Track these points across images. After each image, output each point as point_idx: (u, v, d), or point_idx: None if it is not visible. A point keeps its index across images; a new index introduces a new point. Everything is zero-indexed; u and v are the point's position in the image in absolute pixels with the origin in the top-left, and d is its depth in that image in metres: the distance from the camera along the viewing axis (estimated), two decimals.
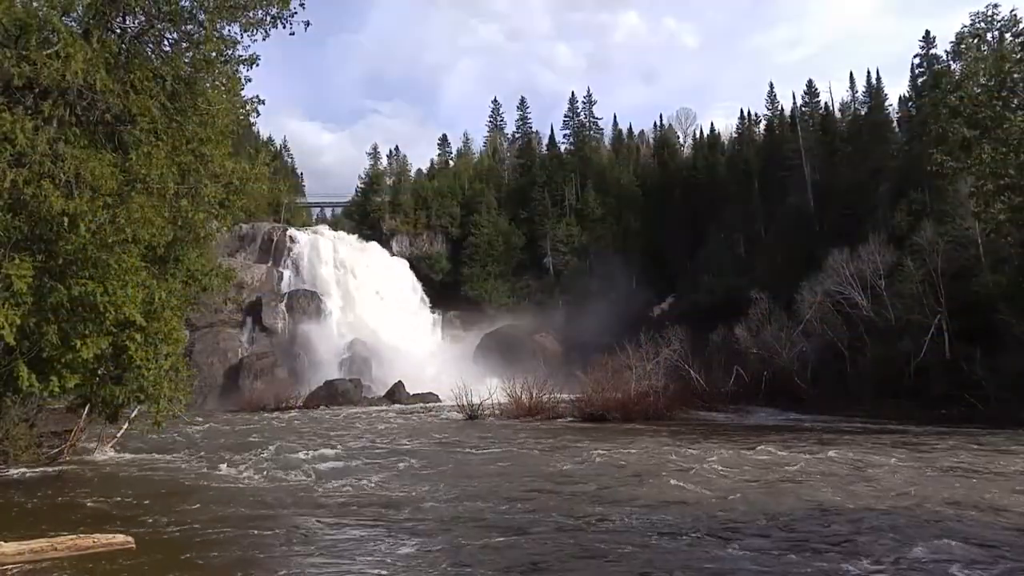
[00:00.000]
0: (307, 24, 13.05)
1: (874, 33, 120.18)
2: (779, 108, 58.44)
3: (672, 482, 11.76)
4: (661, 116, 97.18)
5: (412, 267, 56.42)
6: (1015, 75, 19.16)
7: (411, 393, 38.43)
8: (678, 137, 73.03)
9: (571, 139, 67.42)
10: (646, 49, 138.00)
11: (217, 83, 12.98)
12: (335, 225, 61.85)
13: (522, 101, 73.33)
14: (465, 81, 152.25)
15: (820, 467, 13.15)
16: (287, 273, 49.72)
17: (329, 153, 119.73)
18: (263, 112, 14.60)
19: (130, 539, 6.53)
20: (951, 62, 26.61)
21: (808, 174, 49.30)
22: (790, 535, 8.22)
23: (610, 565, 7.12)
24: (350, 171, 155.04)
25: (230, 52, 12.75)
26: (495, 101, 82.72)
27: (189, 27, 12.42)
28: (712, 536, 8.17)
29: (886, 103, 51.89)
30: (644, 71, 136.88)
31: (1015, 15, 19.99)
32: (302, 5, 12.93)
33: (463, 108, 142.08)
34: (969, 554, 7.25)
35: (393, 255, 57.21)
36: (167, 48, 12.69)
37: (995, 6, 20.13)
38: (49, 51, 10.42)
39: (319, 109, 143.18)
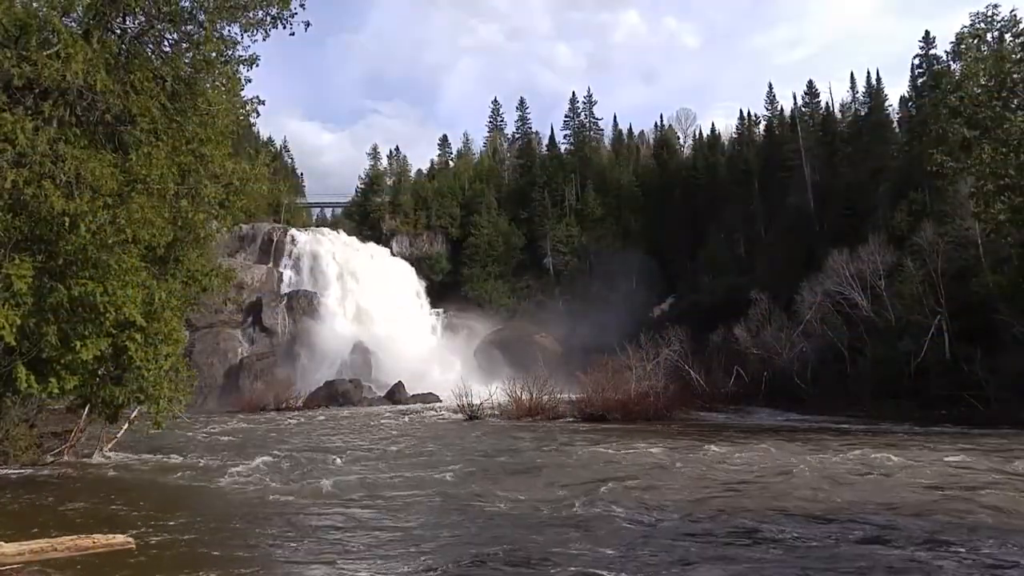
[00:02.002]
0: (307, 24, 13.05)
1: (874, 33, 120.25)
2: (779, 108, 58.47)
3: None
4: (661, 116, 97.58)
5: (412, 267, 56.40)
6: (1015, 75, 19.11)
7: (411, 393, 38.43)
8: (678, 137, 73.03)
9: (571, 139, 67.39)
10: (646, 49, 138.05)
11: (217, 83, 12.96)
12: (335, 226, 61.82)
13: (522, 101, 73.41)
14: (465, 81, 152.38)
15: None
16: (287, 273, 49.70)
17: (329, 153, 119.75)
18: (263, 112, 14.60)
19: (130, 539, 6.52)
20: (951, 62, 26.53)
21: (808, 174, 49.25)
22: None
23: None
24: (350, 171, 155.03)
25: (230, 52, 12.74)
26: (495, 101, 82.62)
27: (189, 27, 12.41)
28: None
29: (886, 103, 51.85)
30: (644, 71, 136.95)
31: (1015, 15, 19.93)
32: (302, 5, 12.94)
33: (463, 108, 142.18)
34: None
35: (393, 255, 57.21)
36: (167, 49, 12.68)
37: (995, 6, 20.05)
38: (49, 51, 10.41)
39: (319, 109, 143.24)
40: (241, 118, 13.88)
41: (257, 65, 13.23)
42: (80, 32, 11.31)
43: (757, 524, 8.80)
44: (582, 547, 7.78)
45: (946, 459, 13.78)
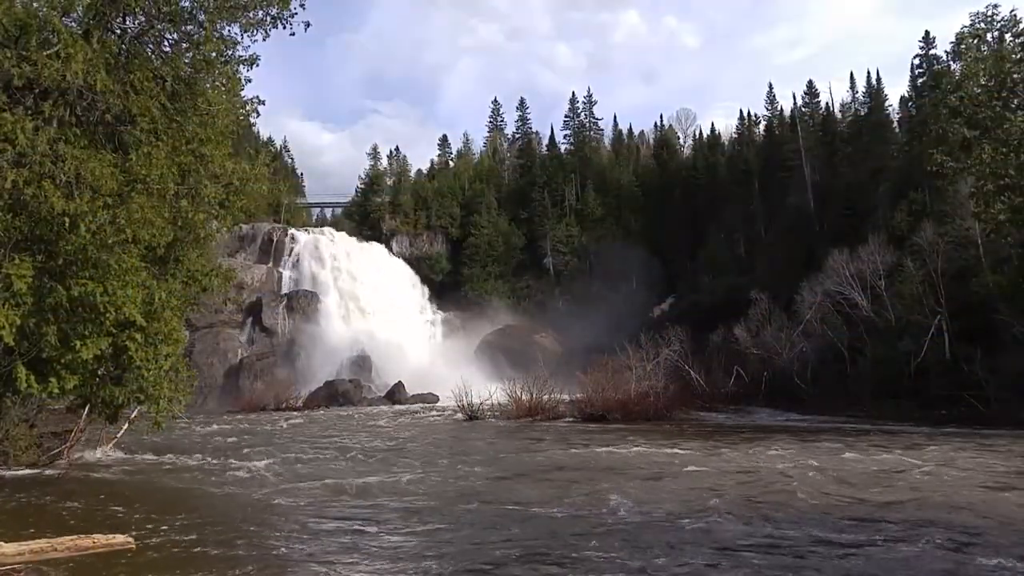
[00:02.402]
0: (307, 24, 13.08)
1: (874, 33, 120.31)
2: (779, 108, 58.49)
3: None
4: (661, 116, 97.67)
5: (412, 268, 56.42)
6: (1015, 75, 19.11)
7: (411, 393, 38.43)
8: (678, 137, 73.04)
9: (571, 139, 67.38)
10: (646, 49, 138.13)
11: (217, 83, 12.98)
12: (335, 226, 61.81)
13: (522, 102, 73.38)
14: (465, 81, 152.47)
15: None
16: (287, 273, 49.70)
17: (329, 153, 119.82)
18: (263, 112, 14.63)
19: (130, 539, 6.51)
20: (951, 62, 26.56)
21: (808, 174, 49.27)
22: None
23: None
24: (350, 171, 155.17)
25: (230, 52, 12.76)
26: (495, 101, 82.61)
27: (189, 27, 12.43)
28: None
29: (886, 103, 51.87)
30: (644, 71, 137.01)
31: (1015, 15, 19.93)
32: (302, 5, 12.97)
33: (463, 108, 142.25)
34: None
35: (393, 255, 57.23)
36: (167, 49, 12.70)
37: (995, 6, 20.05)
38: (49, 51, 10.42)
39: (319, 109, 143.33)
40: (241, 118, 13.89)
41: (257, 65, 13.26)
42: (80, 32, 11.32)
43: (820, 530, 8.24)
44: (619, 554, 7.37)
45: (978, 460, 13.44)
